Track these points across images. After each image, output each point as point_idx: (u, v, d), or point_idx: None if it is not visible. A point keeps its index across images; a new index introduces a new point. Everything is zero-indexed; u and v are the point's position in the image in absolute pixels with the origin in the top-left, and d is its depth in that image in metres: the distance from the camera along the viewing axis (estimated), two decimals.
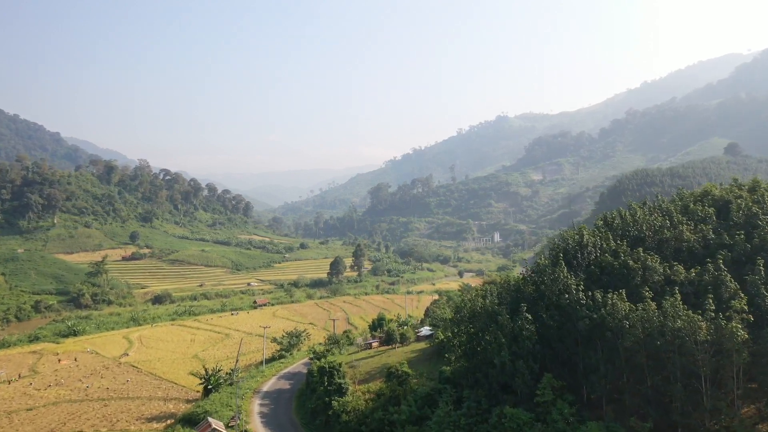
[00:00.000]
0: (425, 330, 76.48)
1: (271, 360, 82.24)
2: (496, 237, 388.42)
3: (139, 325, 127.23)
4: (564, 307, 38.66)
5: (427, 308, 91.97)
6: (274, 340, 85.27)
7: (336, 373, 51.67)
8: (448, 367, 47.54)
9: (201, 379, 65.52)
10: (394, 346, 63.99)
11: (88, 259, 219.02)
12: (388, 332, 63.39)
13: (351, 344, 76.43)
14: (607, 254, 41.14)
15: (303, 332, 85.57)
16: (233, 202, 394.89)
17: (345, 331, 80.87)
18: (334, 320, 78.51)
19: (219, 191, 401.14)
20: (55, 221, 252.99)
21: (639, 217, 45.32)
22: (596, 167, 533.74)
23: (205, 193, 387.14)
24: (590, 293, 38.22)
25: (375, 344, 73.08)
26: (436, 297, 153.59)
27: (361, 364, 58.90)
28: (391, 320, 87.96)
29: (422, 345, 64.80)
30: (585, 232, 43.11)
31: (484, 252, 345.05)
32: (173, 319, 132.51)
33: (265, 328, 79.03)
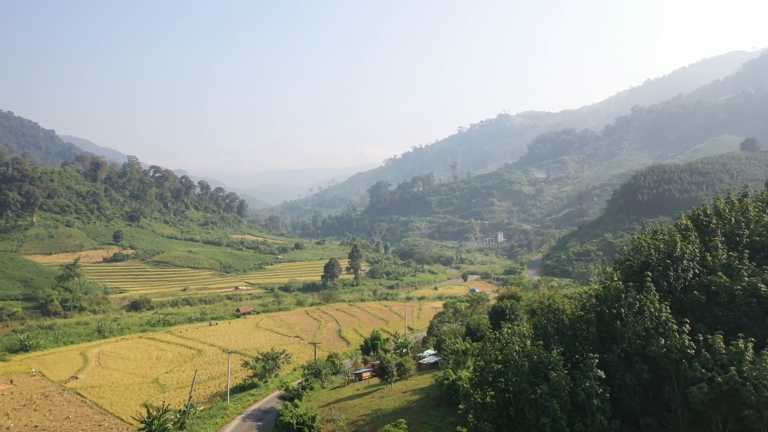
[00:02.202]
0: (429, 355, 61.96)
1: (241, 389, 67.71)
2: (500, 237, 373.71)
3: (104, 337, 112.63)
4: (657, 359, 24.07)
5: (431, 324, 77.33)
6: (246, 364, 70.65)
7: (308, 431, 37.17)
8: (465, 431, 32.85)
9: (141, 423, 50.92)
10: (389, 380, 49.51)
11: (67, 260, 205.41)
12: (382, 364, 49.17)
13: (337, 373, 61.85)
14: (719, 272, 26.42)
15: (282, 354, 70.99)
16: (227, 201, 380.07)
17: (330, 356, 66.40)
18: (316, 344, 63.83)
19: (212, 189, 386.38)
20: (34, 220, 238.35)
21: (752, 216, 30.46)
22: (601, 165, 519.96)
23: (198, 191, 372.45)
24: (703, 338, 23.58)
25: (366, 375, 58.60)
26: (440, 305, 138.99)
27: (345, 411, 44.32)
28: (387, 339, 73.43)
29: (426, 380, 50.23)
30: (678, 239, 28.29)
31: (487, 252, 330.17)
32: (144, 330, 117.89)
33: (230, 353, 64.43)
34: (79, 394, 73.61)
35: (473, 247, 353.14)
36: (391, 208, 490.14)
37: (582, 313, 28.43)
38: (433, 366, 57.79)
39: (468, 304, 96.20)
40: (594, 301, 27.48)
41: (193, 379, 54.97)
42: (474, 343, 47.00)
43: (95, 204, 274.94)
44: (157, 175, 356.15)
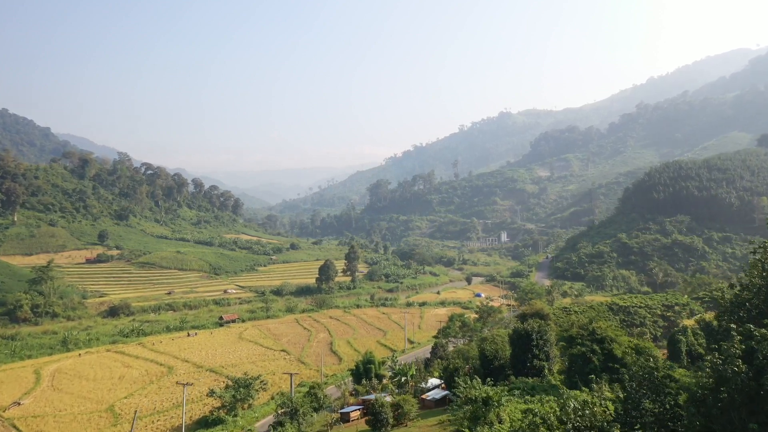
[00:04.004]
0: (434, 387, 50.04)
1: (205, 424, 55.73)
2: (503, 237, 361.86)
3: (68, 350, 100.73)
4: None
5: (436, 343, 65.29)
6: (211, 393, 58.66)
7: None
8: None
9: None
10: (383, 430, 37.63)
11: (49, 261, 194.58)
12: (374, 408, 37.47)
13: (319, 409, 49.86)
14: None
15: (256, 379, 59.06)
16: (221, 199, 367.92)
17: (312, 388, 54.24)
18: (291, 374, 51.89)
19: (206, 187, 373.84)
20: (15, 219, 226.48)
21: None
22: (607, 163, 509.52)
23: (191, 188, 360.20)
24: None
25: (355, 414, 46.71)
26: (443, 312, 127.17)
27: None
28: (383, 362, 61.59)
29: (431, 429, 38.23)
30: None
31: (490, 253, 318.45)
32: (114, 342, 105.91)
33: (185, 385, 52.48)
34: (15, 427, 61.78)
35: (476, 247, 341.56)
36: (391, 207, 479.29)
37: (709, 381, 16.21)
38: (440, 403, 45.92)
39: (477, 316, 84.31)
40: (740, 366, 15.30)
41: (134, 418, 43.05)
42: (498, 388, 35.10)
43: (81, 202, 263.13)
44: (149, 172, 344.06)
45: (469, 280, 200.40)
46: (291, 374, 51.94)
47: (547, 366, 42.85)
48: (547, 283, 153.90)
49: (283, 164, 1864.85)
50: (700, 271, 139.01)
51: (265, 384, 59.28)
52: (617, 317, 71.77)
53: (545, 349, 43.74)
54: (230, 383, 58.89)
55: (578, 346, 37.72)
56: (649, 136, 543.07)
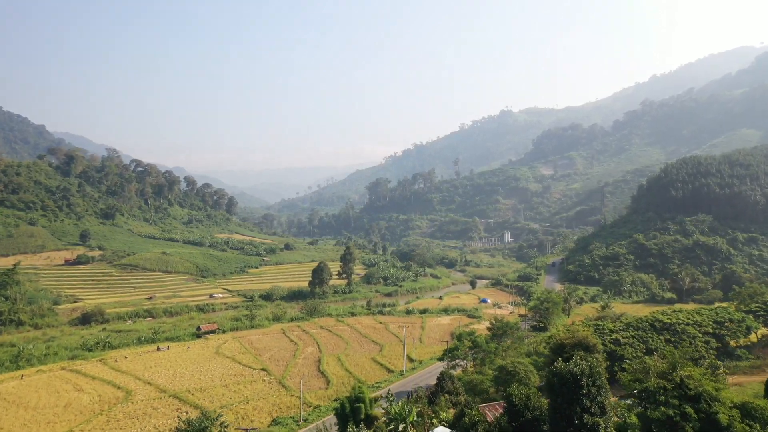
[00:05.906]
0: None
1: None
2: (507, 237, 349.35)
3: (20, 367, 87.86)
4: None
5: (442, 374, 52.41)
6: None
7: None
8: None
9: None
10: None
11: (28, 263, 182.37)
12: None
13: None
14: None
15: (216, 420, 46.46)
16: (214, 197, 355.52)
17: None
18: (247, 431, 39.30)
19: (199, 185, 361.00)
20: None
21: None
22: (612, 161, 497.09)
23: (183, 186, 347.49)
24: None
25: None
26: (447, 321, 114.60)
27: None
28: (377, 399, 48.97)
29: None
30: None
31: (494, 253, 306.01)
32: (73, 357, 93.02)
33: None
34: None
35: (478, 248, 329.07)
36: (391, 206, 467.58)
37: None
38: None
39: (489, 332, 71.66)
40: None
41: None
42: None
43: (65, 200, 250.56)
44: (139, 169, 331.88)
45: (473, 284, 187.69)
46: (247, 430, 39.22)
47: (603, 425, 30.29)
48: (558, 287, 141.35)
49: (283, 163, 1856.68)
50: (730, 275, 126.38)
51: (226, 427, 46.69)
52: (661, 337, 59.04)
53: (599, 398, 31.10)
54: (182, 425, 46.31)
55: (662, 407, 25.30)
56: (655, 133, 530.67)
